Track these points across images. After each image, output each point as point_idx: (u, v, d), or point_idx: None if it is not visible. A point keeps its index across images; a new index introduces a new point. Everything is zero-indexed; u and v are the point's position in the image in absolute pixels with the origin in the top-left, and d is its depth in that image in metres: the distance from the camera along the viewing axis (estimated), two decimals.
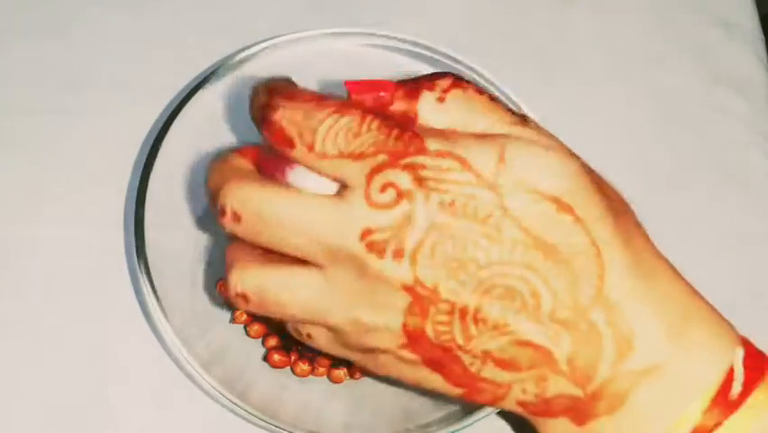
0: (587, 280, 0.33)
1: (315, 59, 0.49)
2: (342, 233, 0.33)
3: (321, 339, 0.36)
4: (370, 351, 0.35)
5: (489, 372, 0.34)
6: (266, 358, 0.47)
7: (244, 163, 0.37)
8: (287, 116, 0.34)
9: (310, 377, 0.48)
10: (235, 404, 0.42)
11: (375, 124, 0.33)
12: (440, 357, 0.34)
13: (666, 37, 0.60)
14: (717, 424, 0.33)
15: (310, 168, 0.34)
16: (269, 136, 0.34)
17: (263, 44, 0.48)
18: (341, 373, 0.47)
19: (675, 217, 0.55)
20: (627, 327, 0.33)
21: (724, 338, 0.34)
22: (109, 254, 0.50)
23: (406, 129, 0.33)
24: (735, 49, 0.60)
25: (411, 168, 0.32)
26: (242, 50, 0.48)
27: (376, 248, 0.32)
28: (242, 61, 0.47)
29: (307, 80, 0.51)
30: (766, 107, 0.58)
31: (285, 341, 0.48)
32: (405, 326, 0.33)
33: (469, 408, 0.44)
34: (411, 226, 0.32)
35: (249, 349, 0.48)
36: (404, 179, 0.32)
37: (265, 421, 0.42)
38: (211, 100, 0.47)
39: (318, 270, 0.34)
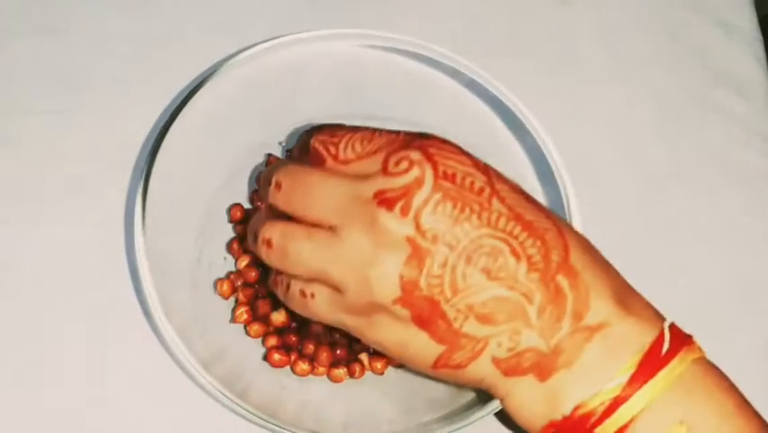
0: (555, 251, 0.39)
1: (314, 59, 0.49)
2: (358, 193, 0.38)
3: (323, 300, 0.40)
4: (366, 311, 0.39)
5: (470, 326, 0.38)
6: (266, 358, 0.47)
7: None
8: (317, 139, 0.41)
9: (310, 377, 0.48)
10: (235, 403, 0.42)
11: (384, 131, 0.40)
12: (428, 313, 0.38)
13: (665, 37, 0.60)
14: (650, 376, 0.38)
15: (339, 173, 0.40)
16: (311, 159, 0.41)
17: (263, 45, 0.48)
18: (341, 372, 0.48)
19: (675, 217, 0.55)
20: (586, 290, 0.39)
21: (656, 314, 0.40)
22: (109, 254, 0.50)
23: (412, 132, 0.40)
24: (733, 49, 0.60)
25: (421, 147, 0.39)
26: (243, 50, 0.48)
27: (386, 203, 0.38)
28: (242, 61, 0.47)
29: (307, 80, 0.51)
30: (765, 107, 0.59)
31: (284, 340, 0.48)
32: (402, 277, 0.38)
33: (468, 407, 0.44)
34: (419, 188, 0.38)
35: (249, 349, 0.48)
36: (415, 154, 0.38)
37: (265, 421, 0.42)
38: (211, 100, 0.47)
39: (333, 230, 0.39)
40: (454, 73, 0.50)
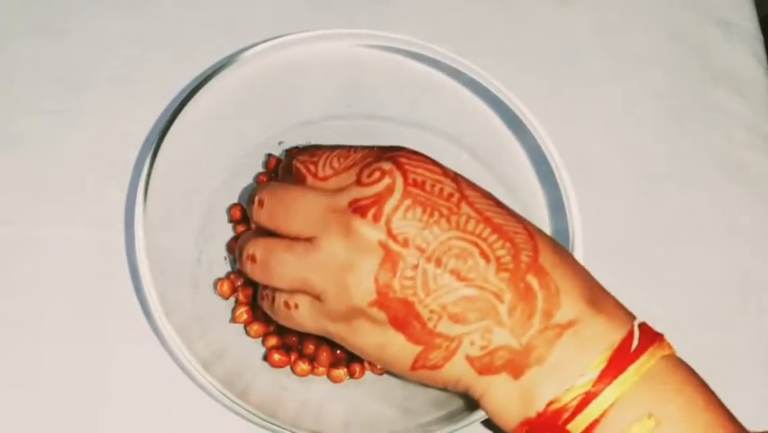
0: (524, 252, 0.40)
1: (315, 59, 0.49)
2: (334, 204, 0.40)
3: (305, 310, 0.42)
4: (347, 316, 0.41)
5: (444, 326, 0.39)
6: (266, 358, 0.47)
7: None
8: (299, 160, 0.44)
9: (310, 377, 0.48)
10: (235, 403, 0.42)
11: (359, 148, 0.42)
12: (404, 314, 0.40)
13: (666, 37, 0.60)
14: (619, 371, 0.39)
15: (318, 188, 0.42)
16: (294, 177, 0.44)
17: (263, 45, 0.48)
18: (341, 372, 0.47)
19: (674, 216, 0.55)
20: (556, 288, 0.40)
21: (624, 311, 0.41)
22: (109, 254, 0.50)
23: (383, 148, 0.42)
24: (734, 49, 0.60)
25: (391, 158, 0.41)
26: (243, 50, 0.48)
27: (359, 211, 0.40)
28: (242, 62, 0.47)
29: (308, 80, 0.51)
30: (765, 107, 0.59)
31: (285, 340, 0.48)
32: (377, 280, 0.39)
33: (468, 407, 0.44)
34: (390, 195, 0.40)
35: (249, 349, 0.48)
36: (386, 164, 0.40)
37: (265, 421, 0.42)
38: (211, 100, 0.47)
39: (312, 241, 0.41)
40: (454, 73, 0.50)
